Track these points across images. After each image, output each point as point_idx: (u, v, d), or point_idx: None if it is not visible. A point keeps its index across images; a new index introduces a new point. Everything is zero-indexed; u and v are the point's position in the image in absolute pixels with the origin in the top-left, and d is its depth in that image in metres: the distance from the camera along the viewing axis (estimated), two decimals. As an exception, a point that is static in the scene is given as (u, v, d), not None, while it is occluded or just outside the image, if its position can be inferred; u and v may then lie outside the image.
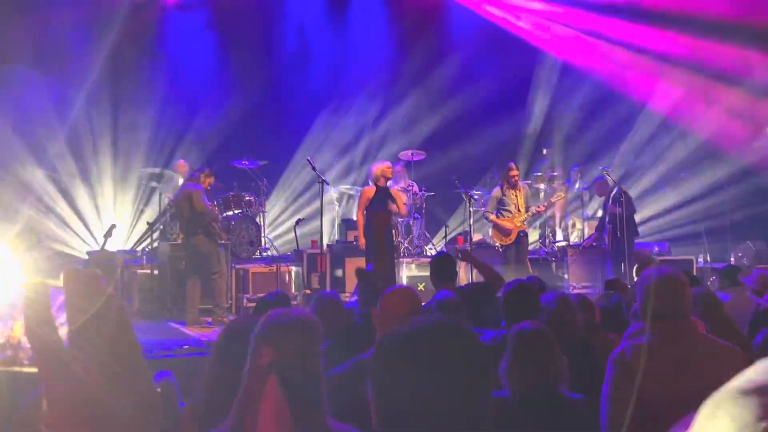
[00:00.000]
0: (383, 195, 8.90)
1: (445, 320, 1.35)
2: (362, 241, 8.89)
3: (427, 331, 1.31)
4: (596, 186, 10.78)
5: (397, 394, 1.28)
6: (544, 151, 12.27)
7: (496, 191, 9.94)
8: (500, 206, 9.84)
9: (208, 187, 8.68)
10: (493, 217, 9.88)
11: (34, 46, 11.10)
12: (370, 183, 9.11)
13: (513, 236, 9.78)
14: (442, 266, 5.44)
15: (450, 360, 1.28)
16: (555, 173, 12.17)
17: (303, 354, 1.85)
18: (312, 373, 1.86)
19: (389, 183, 11.46)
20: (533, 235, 11.72)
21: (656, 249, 11.47)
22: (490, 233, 10.43)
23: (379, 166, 9.00)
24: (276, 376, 1.77)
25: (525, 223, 9.93)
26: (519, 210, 9.81)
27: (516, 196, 9.81)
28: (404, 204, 9.52)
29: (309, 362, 1.86)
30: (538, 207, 10.18)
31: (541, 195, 11.84)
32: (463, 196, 10.86)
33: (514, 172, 9.84)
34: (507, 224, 9.78)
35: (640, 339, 2.84)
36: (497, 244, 10.18)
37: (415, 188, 11.47)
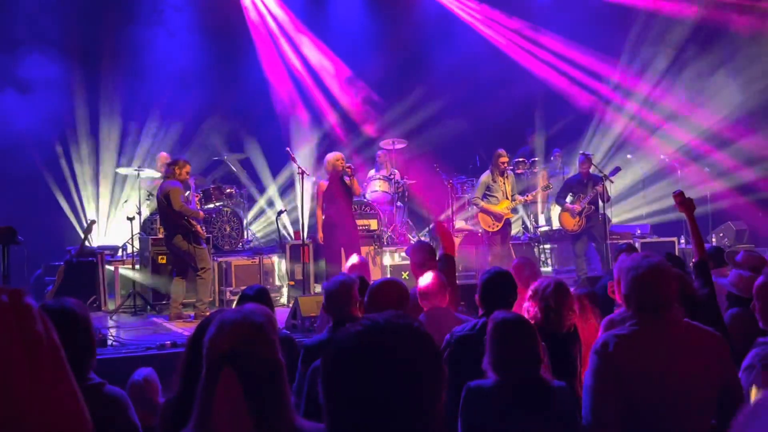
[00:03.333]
0: (337, 186, 8.85)
1: (396, 319, 1.32)
2: (320, 235, 8.88)
3: (377, 331, 1.30)
4: (581, 165, 10.38)
5: (347, 396, 1.27)
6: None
7: (486, 177, 9.88)
8: (488, 192, 9.80)
9: (187, 176, 8.51)
10: (482, 203, 9.82)
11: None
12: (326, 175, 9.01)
13: (500, 223, 9.77)
14: (417, 255, 5.46)
15: (400, 361, 1.27)
16: (536, 158, 12.17)
17: (255, 345, 1.80)
18: (268, 363, 1.81)
19: (371, 172, 11.48)
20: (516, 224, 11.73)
21: (638, 231, 11.52)
22: (477, 219, 10.31)
23: (330, 159, 8.94)
24: (231, 370, 1.73)
25: (511, 210, 9.92)
26: (507, 197, 9.77)
27: (504, 183, 9.80)
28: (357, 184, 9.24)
29: (263, 353, 1.80)
30: (527, 196, 10.14)
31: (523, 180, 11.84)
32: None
33: (504, 159, 9.78)
34: (497, 210, 9.75)
35: (623, 329, 2.81)
36: (481, 230, 10.15)
37: (397, 176, 11.44)
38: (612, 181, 10.12)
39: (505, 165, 9.84)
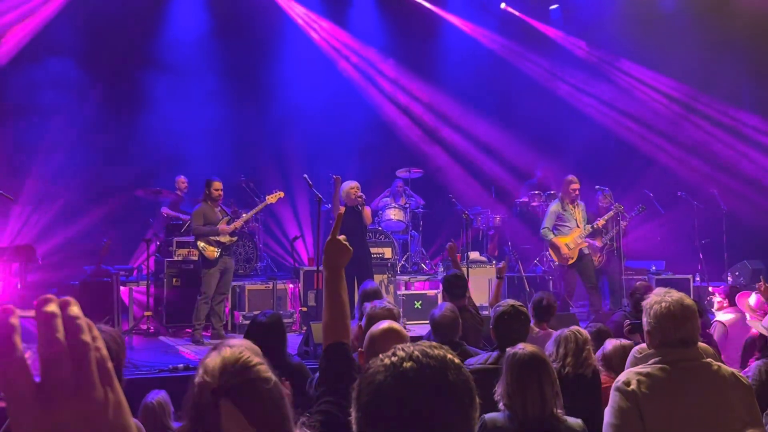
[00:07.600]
0: (351, 214, 8.88)
1: (430, 349, 1.33)
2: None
3: (411, 361, 1.30)
4: (600, 200, 10.21)
5: (383, 425, 1.29)
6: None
7: (555, 206, 9.43)
8: (559, 222, 9.31)
9: (216, 192, 8.60)
10: (551, 236, 9.30)
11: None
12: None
13: (574, 254, 9.23)
14: (452, 284, 5.61)
15: (434, 391, 1.28)
16: (552, 191, 12.14)
17: (246, 374, 1.75)
18: (270, 393, 1.75)
19: (386, 200, 11.52)
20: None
21: (653, 267, 11.43)
22: (549, 252, 9.79)
23: (344, 188, 8.99)
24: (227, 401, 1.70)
25: (585, 239, 9.38)
26: (578, 225, 9.26)
27: (575, 210, 9.34)
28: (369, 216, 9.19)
29: (257, 379, 1.75)
30: (598, 222, 9.54)
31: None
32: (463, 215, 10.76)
33: (575, 185, 9.26)
34: (563, 244, 9.25)
35: (645, 366, 2.75)
36: (555, 262, 9.66)
37: (412, 205, 11.47)
38: (627, 221, 9.97)
39: (577, 192, 9.30)
